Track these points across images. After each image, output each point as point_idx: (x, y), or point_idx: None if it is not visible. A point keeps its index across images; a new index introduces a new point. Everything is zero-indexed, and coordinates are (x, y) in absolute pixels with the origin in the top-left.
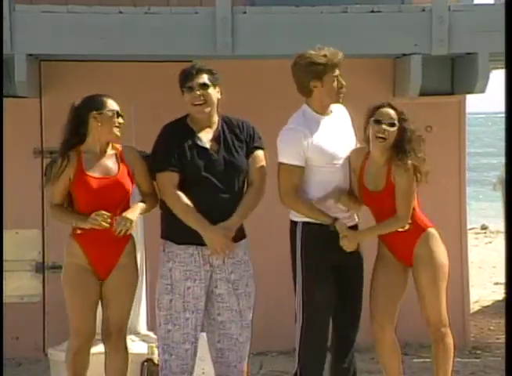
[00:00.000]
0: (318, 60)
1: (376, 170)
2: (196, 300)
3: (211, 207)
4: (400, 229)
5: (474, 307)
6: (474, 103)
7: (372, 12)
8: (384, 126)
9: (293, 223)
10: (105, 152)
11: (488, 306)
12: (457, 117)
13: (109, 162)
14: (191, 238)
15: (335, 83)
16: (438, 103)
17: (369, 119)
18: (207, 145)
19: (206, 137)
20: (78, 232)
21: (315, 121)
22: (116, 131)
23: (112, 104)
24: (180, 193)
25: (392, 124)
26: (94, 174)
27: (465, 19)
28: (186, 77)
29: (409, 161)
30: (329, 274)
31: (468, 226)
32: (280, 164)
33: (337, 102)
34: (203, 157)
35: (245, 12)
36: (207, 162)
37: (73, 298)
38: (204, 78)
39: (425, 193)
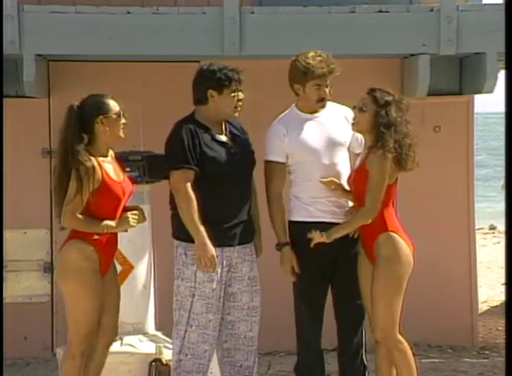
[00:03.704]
0: (302, 67)
1: (364, 153)
2: (218, 301)
3: (233, 201)
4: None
5: (483, 307)
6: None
7: (380, 12)
8: (355, 111)
9: None
10: (108, 155)
11: (496, 306)
12: (465, 117)
13: (116, 165)
14: (216, 240)
15: (316, 92)
16: (446, 103)
17: None
18: (225, 139)
19: (219, 132)
20: (96, 237)
21: (297, 119)
22: (121, 133)
23: (115, 105)
24: (193, 196)
25: (360, 109)
26: (116, 179)
27: (473, 19)
28: (230, 80)
29: (385, 152)
30: (316, 277)
31: (476, 227)
32: (265, 161)
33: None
34: (224, 151)
35: (253, 12)
36: (228, 156)
37: (90, 302)
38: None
39: (433, 194)
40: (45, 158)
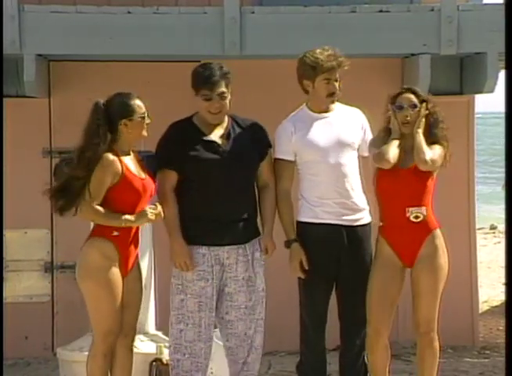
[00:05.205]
0: (311, 62)
1: (407, 150)
2: (209, 299)
3: (221, 200)
4: (414, 220)
5: (483, 307)
6: None
7: (380, 11)
8: (406, 111)
9: None
10: (130, 153)
11: (497, 306)
12: (466, 117)
13: (137, 164)
14: (203, 238)
15: (326, 86)
16: (447, 102)
17: (390, 107)
18: (215, 139)
19: (214, 134)
20: (115, 233)
21: (306, 118)
22: (144, 132)
23: (140, 107)
24: (172, 198)
25: (414, 106)
26: (137, 174)
27: (474, 19)
28: (204, 84)
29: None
30: (321, 278)
31: (477, 226)
32: (274, 159)
33: (331, 103)
34: (210, 150)
35: (253, 12)
36: (216, 155)
37: (110, 301)
38: (222, 87)
39: (434, 193)
40: (45, 158)
